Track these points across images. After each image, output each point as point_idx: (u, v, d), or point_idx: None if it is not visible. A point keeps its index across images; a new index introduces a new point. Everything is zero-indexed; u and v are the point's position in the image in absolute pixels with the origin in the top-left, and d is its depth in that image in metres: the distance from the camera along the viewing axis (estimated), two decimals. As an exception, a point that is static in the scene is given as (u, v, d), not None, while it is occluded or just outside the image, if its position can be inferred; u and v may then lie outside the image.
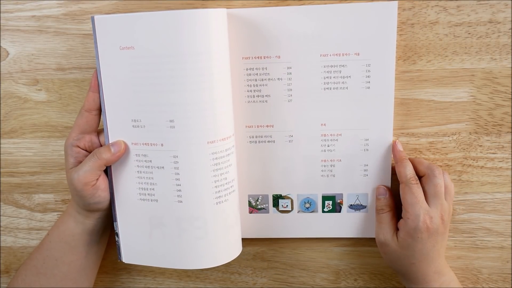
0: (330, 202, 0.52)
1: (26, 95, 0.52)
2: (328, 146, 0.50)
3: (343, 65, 0.48)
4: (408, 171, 0.47)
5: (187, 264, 0.49)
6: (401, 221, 0.47)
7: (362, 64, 0.48)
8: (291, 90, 0.49)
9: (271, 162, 0.51)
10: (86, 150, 0.48)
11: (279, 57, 0.48)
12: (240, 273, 0.57)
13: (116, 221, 0.50)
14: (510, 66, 0.49)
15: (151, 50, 0.43)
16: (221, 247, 0.49)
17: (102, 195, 0.47)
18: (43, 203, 0.56)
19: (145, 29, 0.43)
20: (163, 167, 0.46)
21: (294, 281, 0.57)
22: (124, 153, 0.47)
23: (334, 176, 0.51)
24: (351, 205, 0.52)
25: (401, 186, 0.48)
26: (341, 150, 0.50)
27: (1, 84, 0.52)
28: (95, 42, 0.45)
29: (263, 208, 0.53)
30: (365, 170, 0.51)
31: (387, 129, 0.49)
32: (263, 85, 0.49)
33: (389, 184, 0.51)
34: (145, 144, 0.46)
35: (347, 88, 0.48)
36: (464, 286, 0.55)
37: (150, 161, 0.47)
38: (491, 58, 0.49)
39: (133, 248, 0.50)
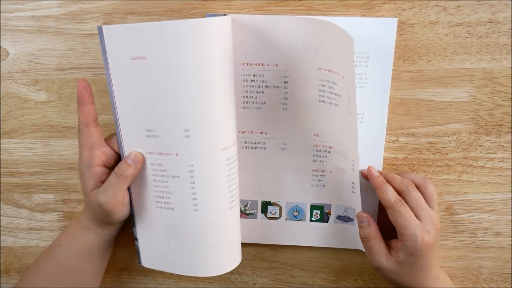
0: (318, 212, 0.52)
1: (26, 95, 0.52)
2: (320, 157, 0.50)
3: (335, 83, 0.46)
4: (390, 195, 0.46)
5: (206, 271, 0.49)
6: (399, 243, 0.45)
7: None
8: (286, 99, 0.49)
9: (262, 169, 0.51)
10: (104, 166, 0.47)
11: (277, 65, 0.48)
12: (240, 273, 0.57)
13: (135, 226, 0.50)
14: (510, 66, 0.49)
15: (164, 59, 0.42)
16: (235, 250, 0.49)
17: (127, 207, 0.47)
18: (43, 203, 0.56)
19: (157, 38, 0.42)
20: (178, 176, 0.46)
21: (294, 281, 0.57)
22: (143, 164, 0.47)
23: (323, 186, 0.51)
24: (339, 216, 0.52)
25: (388, 212, 0.46)
26: (332, 162, 0.50)
27: (1, 84, 0.52)
28: (104, 53, 0.44)
29: (252, 214, 0.53)
30: (353, 188, 0.49)
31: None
32: (259, 92, 0.49)
33: (377, 203, 0.51)
34: (160, 153, 0.46)
35: (338, 105, 0.47)
36: (464, 286, 0.55)
37: (165, 170, 0.46)
38: (491, 58, 0.49)
39: (152, 254, 0.50)
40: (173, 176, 0.46)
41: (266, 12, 0.48)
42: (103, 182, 0.46)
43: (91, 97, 0.45)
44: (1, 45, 0.51)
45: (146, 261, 0.51)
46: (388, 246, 0.47)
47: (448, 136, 0.51)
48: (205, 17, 0.48)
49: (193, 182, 0.45)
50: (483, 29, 0.48)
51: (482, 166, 0.52)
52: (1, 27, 0.50)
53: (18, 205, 0.56)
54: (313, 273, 0.56)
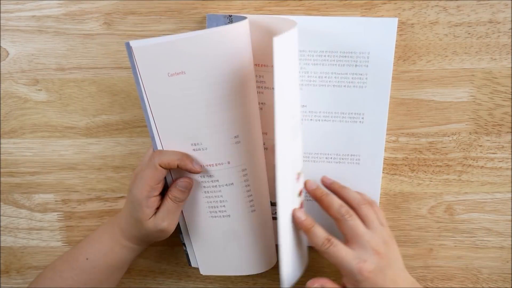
0: None
1: (26, 95, 0.52)
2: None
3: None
4: (317, 239, 0.44)
5: (264, 266, 0.50)
6: (344, 278, 0.45)
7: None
8: None
9: None
10: (159, 194, 0.46)
11: None
12: (240, 273, 0.57)
13: (181, 233, 0.50)
14: (510, 66, 0.49)
15: (205, 71, 0.41)
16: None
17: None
18: (43, 203, 0.56)
19: (196, 51, 0.40)
20: (232, 183, 0.46)
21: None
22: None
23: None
24: None
25: (320, 253, 0.44)
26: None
27: (1, 84, 0.52)
28: (136, 71, 0.41)
29: None
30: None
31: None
32: (259, 92, 0.49)
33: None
34: (210, 165, 0.45)
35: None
36: (464, 286, 0.55)
37: (217, 180, 0.46)
38: (491, 58, 0.49)
39: (209, 261, 0.51)
40: (226, 185, 0.46)
41: (266, 12, 0.48)
42: (156, 209, 0.45)
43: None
44: (1, 45, 0.51)
45: (204, 269, 0.51)
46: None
47: (448, 136, 0.51)
48: (205, 17, 0.48)
49: (248, 185, 0.46)
50: (483, 29, 0.48)
51: (482, 166, 0.52)
52: (1, 27, 0.50)
53: (18, 205, 0.56)
54: (313, 273, 0.56)
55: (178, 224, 0.49)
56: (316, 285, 0.45)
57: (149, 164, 0.44)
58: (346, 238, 0.45)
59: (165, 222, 0.45)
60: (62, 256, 0.50)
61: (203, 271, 0.52)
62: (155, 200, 0.45)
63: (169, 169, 0.45)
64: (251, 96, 0.44)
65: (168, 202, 0.45)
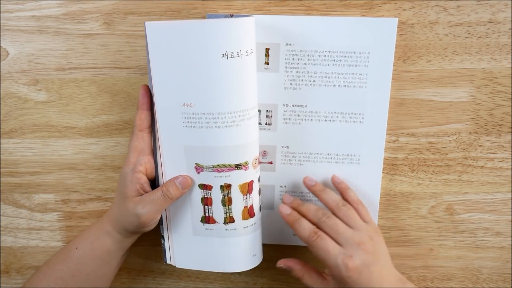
0: None
1: (26, 95, 0.52)
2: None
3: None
4: (304, 231, 0.44)
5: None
6: (327, 271, 0.45)
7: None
8: None
9: None
10: (146, 174, 0.46)
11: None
12: (240, 273, 0.57)
13: (162, 224, 0.49)
14: (510, 66, 0.49)
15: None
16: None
17: (158, 220, 0.47)
18: (43, 203, 0.56)
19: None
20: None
21: (294, 281, 0.57)
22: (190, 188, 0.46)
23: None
24: None
25: (308, 246, 0.45)
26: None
27: (1, 84, 0.52)
28: (148, 51, 0.42)
29: None
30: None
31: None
32: None
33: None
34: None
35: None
36: (464, 286, 0.55)
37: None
38: (491, 58, 0.49)
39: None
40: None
41: (266, 12, 0.48)
42: (142, 190, 0.45)
43: (149, 103, 0.44)
44: (1, 45, 0.51)
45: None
46: (323, 274, 0.46)
47: (448, 136, 0.51)
48: (205, 17, 0.48)
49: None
50: (483, 29, 0.48)
51: (482, 166, 0.52)
52: (1, 27, 0.50)
53: (18, 205, 0.56)
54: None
55: (162, 216, 0.49)
56: (282, 265, 0.47)
57: (131, 136, 0.45)
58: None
59: (144, 209, 0.44)
60: (57, 251, 0.50)
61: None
62: (140, 178, 0.45)
63: (147, 128, 0.45)
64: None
65: (157, 193, 0.44)
